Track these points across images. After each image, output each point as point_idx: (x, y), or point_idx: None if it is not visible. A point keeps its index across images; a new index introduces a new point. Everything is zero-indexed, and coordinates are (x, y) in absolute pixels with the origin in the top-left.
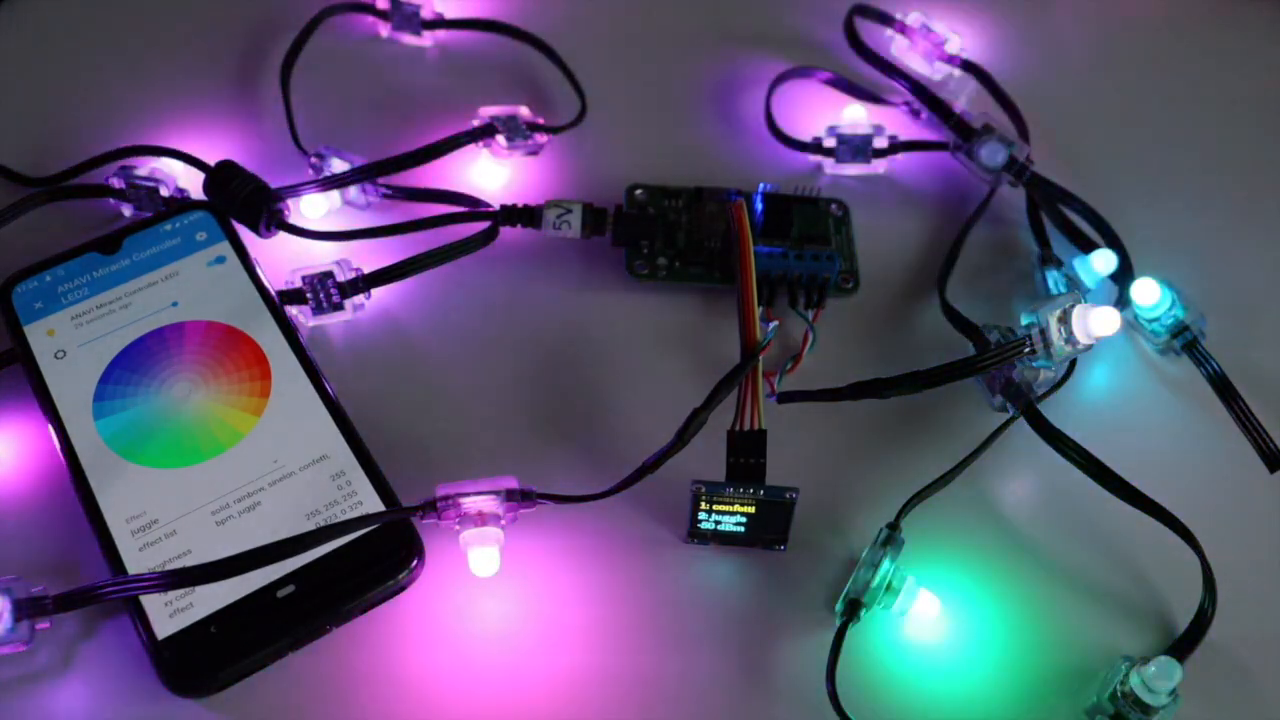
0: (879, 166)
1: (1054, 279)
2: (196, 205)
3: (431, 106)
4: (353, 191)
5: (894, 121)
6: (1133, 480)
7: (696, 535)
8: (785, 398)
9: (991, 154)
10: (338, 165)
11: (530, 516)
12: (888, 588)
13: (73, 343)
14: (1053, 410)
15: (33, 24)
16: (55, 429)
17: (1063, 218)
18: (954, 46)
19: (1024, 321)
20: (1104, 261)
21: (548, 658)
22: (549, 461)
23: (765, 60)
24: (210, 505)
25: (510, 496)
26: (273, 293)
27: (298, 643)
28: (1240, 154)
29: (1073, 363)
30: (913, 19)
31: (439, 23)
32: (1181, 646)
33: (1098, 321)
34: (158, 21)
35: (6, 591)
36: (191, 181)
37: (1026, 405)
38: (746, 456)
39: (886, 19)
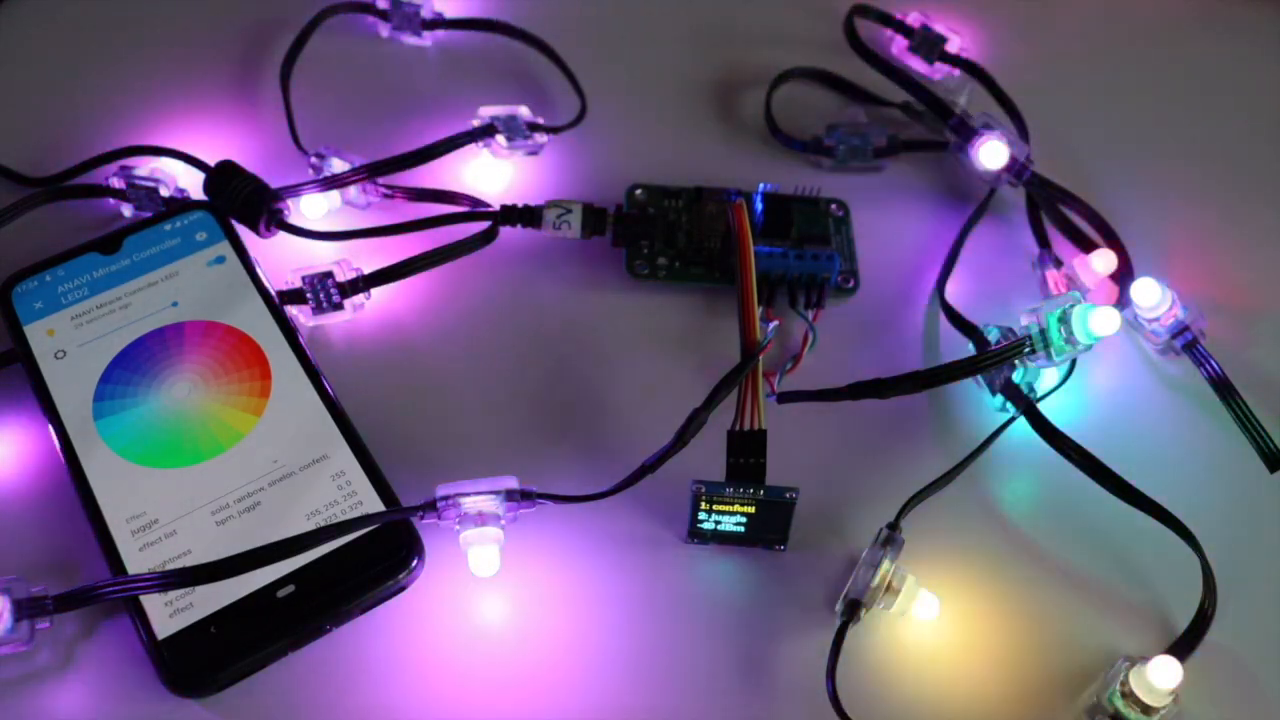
0: (879, 166)
1: (1054, 279)
2: (196, 205)
3: (431, 106)
4: (353, 191)
5: (894, 121)
6: (1133, 480)
7: (696, 535)
8: (785, 398)
9: (991, 154)
10: (338, 165)
11: (530, 516)
12: (888, 588)
13: (73, 343)
14: (1053, 410)
15: (33, 24)
16: (55, 429)
17: (1063, 218)
18: (954, 46)
19: (1024, 321)
20: (1104, 261)
21: (548, 658)
22: (549, 461)
23: (765, 60)
24: (210, 505)
25: (510, 496)
26: (273, 293)
27: (298, 643)
28: (1240, 154)
29: (1073, 363)
30: (913, 19)
31: (439, 23)
32: (1181, 646)
33: (1098, 321)
34: (158, 21)
35: (6, 591)
36: (191, 181)
37: (1026, 405)
38: (746, 456)
39: (886, 19)
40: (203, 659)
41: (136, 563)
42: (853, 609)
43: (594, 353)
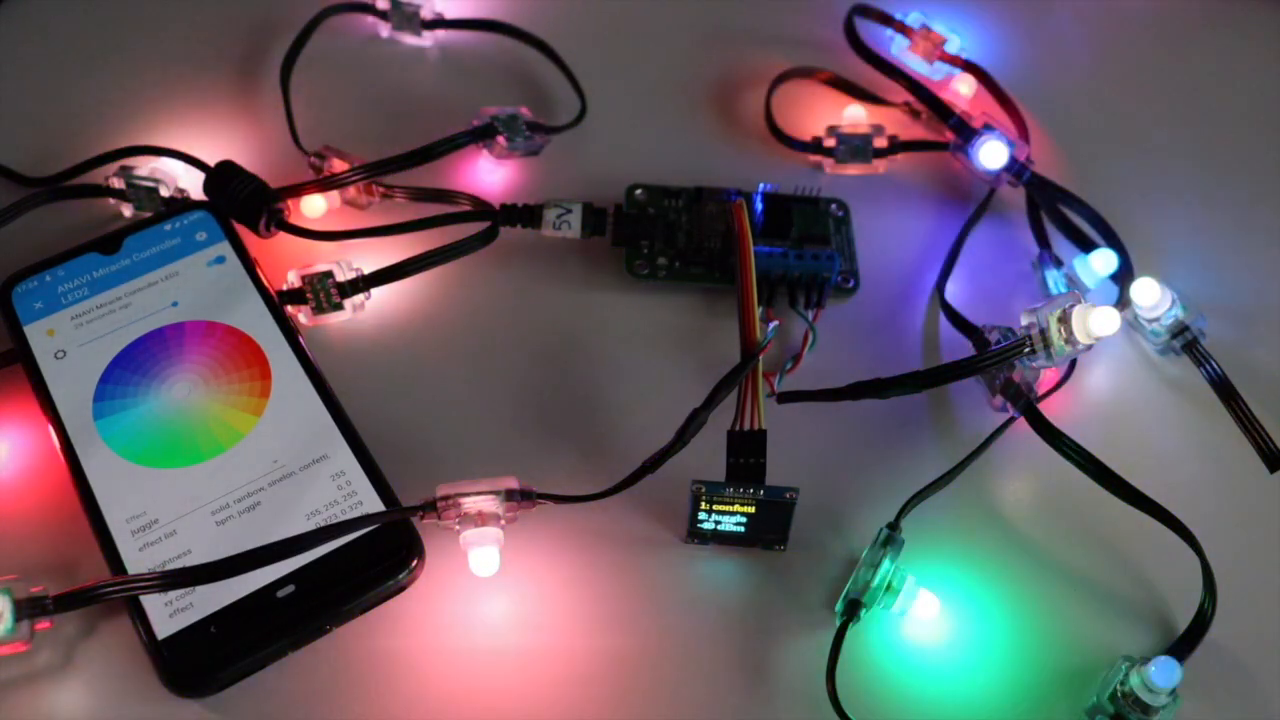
0: (879, 166)
1: (1054, 279)
2: (196, 205)
3: (431, 106)
4: (352, 191)
5: (894, 121)
6: (1133, 480)
7: (696, 535)
8: (785, 398)
9: (991, 154)
10: (338, 165)
11: (530, 516)
12: (888, 588)
13: (73, 343)
14: (1053, 410)
15: (33, 24)
16: (55, 429)
17: (1063, 218)
18: (954, 46)
19: (1024, 321)
20: (1104, 261)
21: (547, 658)
22: (549, 461)
23: (765, 60)
24: (210, 505)
25: (510, 496)
26: (273, 293)
27: (298, 643)
28: (1240, 154)
29: (1073, 363)
30: (913, 19)
31: (439, 23)
32: (1181, 646)
33: (1098, 321)
34: (158, 21)
35: (6, 591)
36: (191, 181)
37: (1026, 405)
38: (746, 456)
39: (886, 19)
40: (203, 659)
41: (136, 563)
42: (853, 609)
43: (594, 353)
